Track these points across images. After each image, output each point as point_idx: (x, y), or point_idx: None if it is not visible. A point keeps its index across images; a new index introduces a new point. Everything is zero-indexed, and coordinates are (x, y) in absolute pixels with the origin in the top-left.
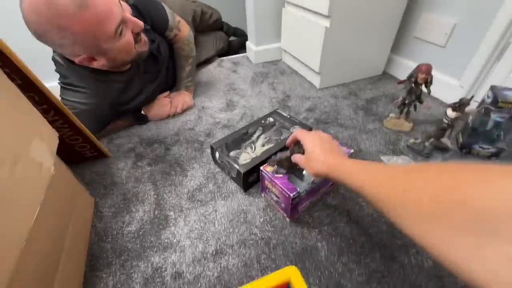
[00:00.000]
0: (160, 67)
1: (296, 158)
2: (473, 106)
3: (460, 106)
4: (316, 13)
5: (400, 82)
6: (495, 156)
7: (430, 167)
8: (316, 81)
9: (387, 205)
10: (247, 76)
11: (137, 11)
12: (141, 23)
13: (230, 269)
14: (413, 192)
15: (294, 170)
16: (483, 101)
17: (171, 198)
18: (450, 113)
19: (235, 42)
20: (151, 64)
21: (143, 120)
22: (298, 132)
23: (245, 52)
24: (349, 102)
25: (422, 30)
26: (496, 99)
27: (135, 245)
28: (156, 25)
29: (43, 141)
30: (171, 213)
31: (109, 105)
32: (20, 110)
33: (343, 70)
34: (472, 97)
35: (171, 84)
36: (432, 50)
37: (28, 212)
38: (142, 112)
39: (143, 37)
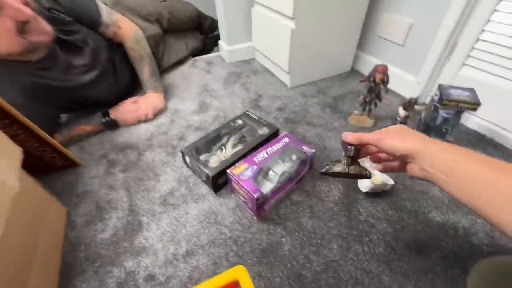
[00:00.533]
0: (93, 61)
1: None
2: (423, 104)
3: (409, 105)
4: (282, 14)
5: (362, 81)
6: None
7: None
8: (287, 79)
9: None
10: (220, 76)
11: (57, 3)
12: (27, 12)
13: (200, 268)
14: None
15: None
16: (433, 99)
17: (143, 203)
18: (401, 112)
19: (211, 39)
20: (76, 56)
21: (113, 125)
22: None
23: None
24: (317, 100)
25: (383, 29)
26: (443, 97)
27: (109, 251)
28: (82, 19)
29: (4, 159)
30: (144, 218)
31: (21, 94)
32: None
33: (313, 69)
34: (418, 97)
35: (128, 83)
36: (392, 48)
37: None
38: (111, 117)
39: (40, 26)
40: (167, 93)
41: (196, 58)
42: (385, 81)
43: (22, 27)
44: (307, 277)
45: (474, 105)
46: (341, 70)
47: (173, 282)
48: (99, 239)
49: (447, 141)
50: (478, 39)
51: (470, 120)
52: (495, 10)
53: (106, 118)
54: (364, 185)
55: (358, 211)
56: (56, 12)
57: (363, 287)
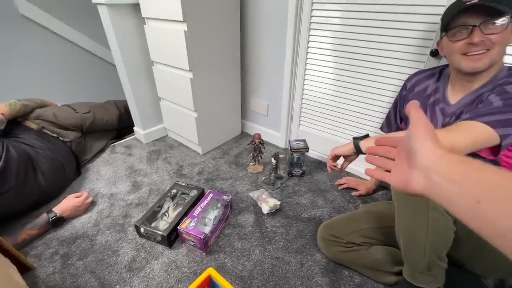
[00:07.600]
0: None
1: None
2: (283, 152)
3: (276, 156)
4: (186, 108)
5: (248, 144)
6: (302, 175)
7: None
8: (198, 149)
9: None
10: (142, 156)
11: None
12: None
13: None
14: None
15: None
16: (288, 148)
17: (112, 276)
18: (273, 160)
19: (125, 128)
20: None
21: (61, 222)
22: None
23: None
24: (224, 160)
25: (254, 107)
26: (291, 147)
27: None
28: None
29: (12, 267)
30: (117, 287)
31: None
32: None
33: (215, 137)
34: (278, 152)
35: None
36: (262, 117)
37: None
38: (57, 214)
39: None
40: (98, 181)
41: (114, 144)
42: (261, 142)
43: None
44: (245, 276)
45: (306, 149)
46: (235, 134)
47: None
48: None
49: (303, 170)
50: (301, 112)
51: (311, 154)
52: (303, 94)
53: (53, 217)
54: (264, 209)
55: (265, 226)
56: None
57: (277, 267)
